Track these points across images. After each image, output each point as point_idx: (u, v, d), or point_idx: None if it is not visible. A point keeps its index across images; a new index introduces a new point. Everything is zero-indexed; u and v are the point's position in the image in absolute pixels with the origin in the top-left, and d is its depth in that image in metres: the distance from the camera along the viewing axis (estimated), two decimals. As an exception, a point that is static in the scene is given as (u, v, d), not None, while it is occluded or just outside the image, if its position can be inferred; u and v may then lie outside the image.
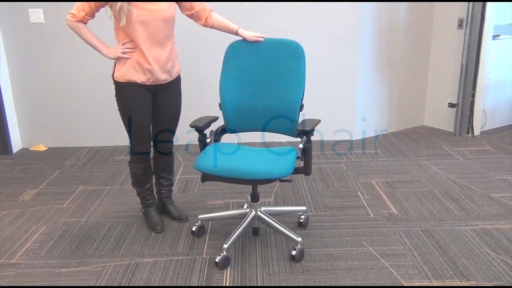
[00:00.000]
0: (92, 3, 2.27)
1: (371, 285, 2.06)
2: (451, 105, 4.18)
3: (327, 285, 2.07)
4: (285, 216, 2.69)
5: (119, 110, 2.46)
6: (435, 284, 2.06)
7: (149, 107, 2.43)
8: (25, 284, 2.12)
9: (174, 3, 2.36)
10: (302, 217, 2.58)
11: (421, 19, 4.16)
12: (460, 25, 4.02)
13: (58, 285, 2.11)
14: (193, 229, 2.51)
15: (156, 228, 2.57)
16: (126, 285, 2.11)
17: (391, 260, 2.25)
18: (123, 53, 2.33)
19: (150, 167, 2.59)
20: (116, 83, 2.42)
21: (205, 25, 2.46)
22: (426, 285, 2.06)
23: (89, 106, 4.00)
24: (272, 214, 2.48)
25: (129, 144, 2.49)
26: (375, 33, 3.98)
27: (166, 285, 2.10)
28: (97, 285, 2.11)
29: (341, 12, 3.82)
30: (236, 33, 2.42)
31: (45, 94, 3.97)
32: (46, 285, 2.12)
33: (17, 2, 3.71)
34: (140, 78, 2.36)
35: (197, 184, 3.23)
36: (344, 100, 4.04)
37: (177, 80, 2.51)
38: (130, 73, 2.36)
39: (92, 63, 3.88)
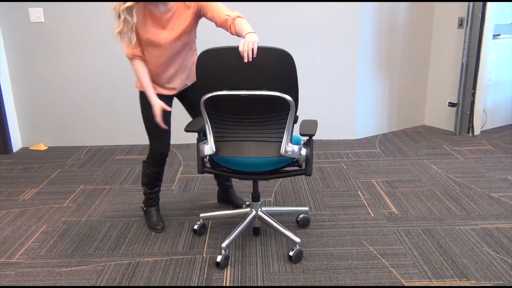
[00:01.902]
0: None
1: (371, 284, 2.06)
2: (452, 105, 4.17)
3: (327, 284, 2.07)
4: (286, 216, 2.69)
5: (141, 111, 2.52)
6: (435, 284, 2.06)
7: (166, 112, 2.39)
8: (25, 284, 2.12)
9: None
10: (300, 216, 2.58)
11: (421, 18, 4.16)
12: (460, 25, 4.01)
13: (58, 284, 2.11)
14: (195, 227, 2.51)
15: (156, 228, 2.57)
16: (126, 284, 2.11)
17: (391, 260, 2.25)
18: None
19: (163, 172, 2.62)
20: (139, 91, 2.47)
21: (232, 34, 2.27)
22: (426, 285, 2.06)
23: (89, 106, 4.00)
24: (273, 214, 2.48)
25: (149, 146, 2.54)
26: (375, 33, 3.98)
27: (166, 284, 2.10)
28: (97, 284, 2.11)
29: (341, 11, 3.81)
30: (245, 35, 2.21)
31: (45, 93, 3.97)
32: (46, 285, 2.12)
33: (17, 2, 3.71)
34: (157, 91, 2.41)
35: (198, 183, 3.23)
36: (344, 99, 4.04)
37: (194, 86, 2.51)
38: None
39: (93, 62, 3.88)
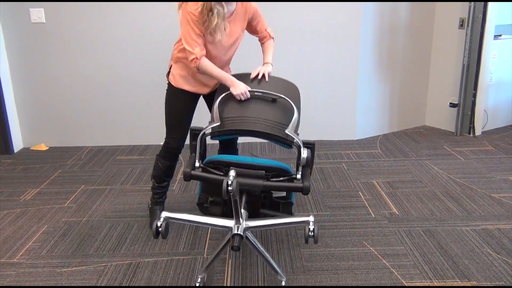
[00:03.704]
0: (199, 33, 2.29)
1: (372, 285, 2.06)
2: (453, 105, 4.17)
3: (328, 285, 2.07)
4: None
5: (165, 100, 2.54)
6: (436, 284, 2.06)
7: (191, 109, 2.52)
8: (26, 284, 2.12)
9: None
10: (308, 231, 1.91)
11: (422, 19, 4.16)
12: (461, 25, 4.01)
13: (59, 285, 2.12)
14: (160, 229, 1.92)
15: None
16: (127, 285, 2.11)
17: (392, 260, 2.25)
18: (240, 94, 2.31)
19: (174, 168, 2.63)
20: (170, 85, 2.50)
21: (260, 43, 2.61)
22: (427, 285, 2.05)
23: (90, 106, 4.00)
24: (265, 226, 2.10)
25: (164, 139, 2.57)
26: (376, 33, 3.98)
27: (167, 285, 2.10)
28: (98, 285, 2.11)
29: (342, 12, 3.81)
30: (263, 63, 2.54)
31: (46, 94, 3.97)
32: (47, 285, 2.12)
33: (19, 2, 3.72)
34: (191, 89, 2.47)
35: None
36: (345, 100, 4.04)
37: None
38: (184, 84, 2.47)
39: (94, 63, 3.89)
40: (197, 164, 2.07)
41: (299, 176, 2.01)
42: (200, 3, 2.21)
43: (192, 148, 2.15)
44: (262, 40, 2.59)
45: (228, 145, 2.66)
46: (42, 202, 2.99)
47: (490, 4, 3.82)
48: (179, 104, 2.48)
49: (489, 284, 2.05)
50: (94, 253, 2.38)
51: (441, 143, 3.97)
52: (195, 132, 2.15)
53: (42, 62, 3.89)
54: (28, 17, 3.76)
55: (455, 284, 2.06)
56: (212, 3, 2.20)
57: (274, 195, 2.15)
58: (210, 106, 2.61)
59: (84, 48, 3.86)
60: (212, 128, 2.16)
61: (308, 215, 1.91)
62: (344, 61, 3.94)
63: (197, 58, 2.29)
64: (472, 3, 3.84)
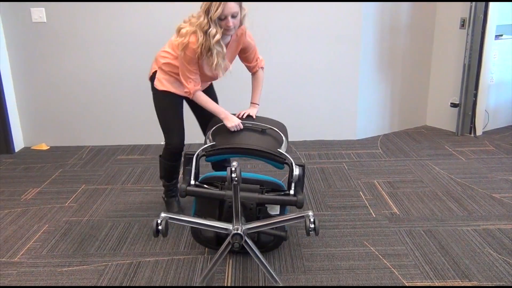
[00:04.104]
0: (194, 71, 2.36)
1: (373, 285, 2.06)
2: (453, 105, 4.17)
3: (328, 285, 2.07)
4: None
5: (155, 107, 2.58)
6: (436, 284, 2.06)
7: (180, 106, 2.56)
8: (27, 283, 2.13)
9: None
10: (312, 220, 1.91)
11: (423, 19, 4.15)
12: (462, 25, 4.01)
13: (60, 284, 2.12)
14: (159, 227, 1.90)
15: None
16: (127, 284, 2.11)
17: (392, 260, 2.25)
18: (234, 126, 2.37)
19: (179, 165, 2.66)
20: (156, 90, 2.53)
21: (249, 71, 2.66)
22: (428, 285, 2.05)
23: (91, 105, 4.00)
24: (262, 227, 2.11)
25: (164, 142, 2.61)
26: (377, 33, 3.98)
27: (168, 284, 2.11)
28: (99, 284, 2.11)
29: (343, 12, 3.81)
30: (251, 104, 2.61)
31: (47, 93, 3.98)
32: (47, 285, 2.12)
33: (20, 2, 3.72)
34: (179, 92, 2.50)
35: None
36: (346, 99, 4.03)
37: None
38: (170, 87, 2.49)
39: (95, 62, 3.89)
40: (192, 182, 2.12)
41: (292, 191, 2.09)
42: (199, 42, 2.23)
43: (186, 172, 2.18)
44: (251, 70, 2.61)
45: (219, 168, 2.76)
46: (43, 201, 2.99)
47: (491, 4, 3.82)
48: (170, 105, 2.52)
49: (490, 284, 2.05)
50: (95, 252, 2.38)
51: (442, 143, 3.97)
52: (189, 156, 2.18)
53: (43, 61, 3.89)
54: (29, 16, 3.76)
55: (455, 284, 2.06)
56: (212, 43, 2.22)
57: (269, 211, 2.19)
58: (193, 110, 2.66)
59: (85, 48, 3.86)
60: (207, 147, 2.23)
61: (307, 211, 1.92)
62: (345, 61, 3.94)
63: (190, 92, 2.38)
64: (473, 3, 3.84)
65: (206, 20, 2.19)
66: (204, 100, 2.44)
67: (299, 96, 4.02)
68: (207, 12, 2.18)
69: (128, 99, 3.98)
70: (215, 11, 2.16)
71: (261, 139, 2.30)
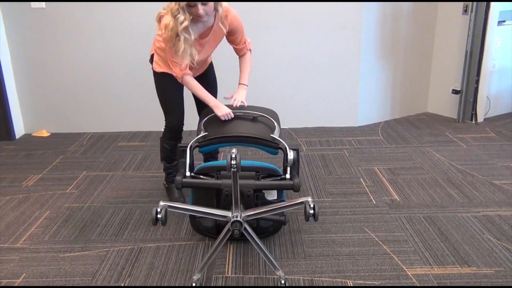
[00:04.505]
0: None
1: (372, 271, 2.08)
2: (455, 92, 4.15)
3: (328, 270, 2.09)
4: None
5: (155, 88, 2.61)
6: (436, 270, 2.07)
7: (178, 87, 2.55)
8: (30, 269, 2.14)
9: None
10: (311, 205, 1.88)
11: (425, 5, 4.11)
12: (465, 11, 3.97)
13: (62, 269, 2.13)
14: (159, 216, 1.88)
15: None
16: (129, 270, 2.13)
17: (392, 246, 2.26)
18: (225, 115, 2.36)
19: None
20: (154, 72, 2.56)
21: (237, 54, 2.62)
22: (427, 271, 2.07)
23: (91, 92, 3.99)
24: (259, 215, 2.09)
25: (164, 121, 2.64)
26: (379, 19, 3.94)
27: (169, 270, 2.12)
28: (101, 269, 2.13)
29: (344, -3, 3.78)
30: (239, 85, 2.57)
31: (47, 80, 3.96)
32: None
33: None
34: (171, 71, 2.49)
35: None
36: (347, 86, 4.02)
37: (209, 66, 2.69)
38: (166, 68, 2.49)
39: (95, 49, 3.87)
40: (187, 174, 2.12)
41: (288, 176, 2.09)
42: (169, 27, 2.20)
43: (181, 164, 2.18)
44: (239, 53, 2.58)
45: (209, 159, 2.84)
46: (44, 188, 3.00)
47: (494, -11, 3.78)
48: (169, 86, 2.53)
49: (489, 270, 2.06)
50: (96, 238, 2.39)
51: (443, 130, 3.96)
52: (183, 149, 2.18)
53: (43, 48, 3.87)
54: (28, 2, 3.73)
55: (455, 270, 2.08)
56: (180, 30, 2.19)
57: (266, 196, 2.21)
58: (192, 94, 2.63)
59: (85, 34, 3.84)
60: (200, 137, 2.24)
61: (307, 197, 1.92)
62: (347, 48, 3.91)
63: (178, 77, 2.38)
64: (476, -12, 3.80)
65: (176, 6, 2.17)
66: (193, 85, 2.43)
67: (301, 83, 4.00)
68: None
69: (129, 85, 3.97)
70: None
71: (253, 126, 2.31)
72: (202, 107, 2.60)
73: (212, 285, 2.01)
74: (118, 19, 3.78)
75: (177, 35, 2.22)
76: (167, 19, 2.22)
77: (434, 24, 4.21)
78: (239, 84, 2.57)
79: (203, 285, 2.02)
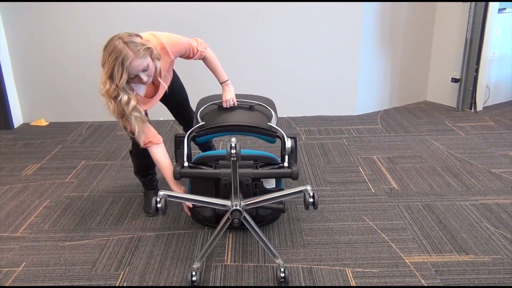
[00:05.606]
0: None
1: (371, 259, 2.09)
2: (454, 80, 4.14)
3: (327, 258, 2.10)
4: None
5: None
6: (434, 258, 2.09)
7: None
8: (30, 257, 2.15)
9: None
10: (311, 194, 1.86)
11: (425, -8, 4.09)
12: (465, -2, 3.94)
13: (62, 257, 2.14)
14: (158, 205, 1.84)
15: (148, 212, 2.51)
16: (129, 258, 2.13)
17: (391, 234, 2.27)
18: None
19: (152, 161, 2.29)
20: None
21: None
22: (425, 259, 2.08)
23: (90, 81, 3.97)
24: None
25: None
26: (378, 7, 3.91)
27: (169, 258, 2.13)
28: (101, 257, 2.14)
29: (344, -16, 3.75)
30: (221, 85, 2.38)
31: (45, 68, 3.94)
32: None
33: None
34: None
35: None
36: (346, 74, 4.00)
37: (173, 79, 2.41)
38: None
39: (93, 36, 3.84)
40: (185, 164, 2.12)
41: (285, 164, 2.10)
42: (110, 109, 1.93)
43: (179, 154, 2.16)
44: (199, 59, 2.33)
45: (205, 149, 2.77)
46: (43, 177, 3.01)
47: (495, -24, 3.75)
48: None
49: (487, 258, 2.08)
50: (96, 227, 2.40)
51: (442, 119, 3.96)
52: (180, 139, 2.17)
53: (40, 35, 3.84)
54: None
55: (453, 257, 2.09)
56: (128, 111, 1.92)
57: (265, 185, 2.22)
58: (165, 102, 2.49)
59: (83, 22, 3.81)
60: (197, 127, 2.23)
61: (306, 185, 1.91)
62: (346, 36, 3.89)
63: (143, 146, 2.16)
64: (477, -25, 3.77)
65: (112, 87, 1.87)
66: (160, 162, 2.18)
67: (299, 72, 3.99)
68: (111, 78, 1.87)
69: (127, 74, 3.94)
70: (120, 79, 1.85)
71: (250, 115, 2.31)
72: (178, 113, 2.57)
73: (211, 273, 2.03)
74: (118, 6, 3.75)
75: (123, 116, 1.98)
76: (108, 83, 1.87)
77: (434, 12, 4.19)
78: (221, 84, 2.38)
79: (203, 273, 2.03)
